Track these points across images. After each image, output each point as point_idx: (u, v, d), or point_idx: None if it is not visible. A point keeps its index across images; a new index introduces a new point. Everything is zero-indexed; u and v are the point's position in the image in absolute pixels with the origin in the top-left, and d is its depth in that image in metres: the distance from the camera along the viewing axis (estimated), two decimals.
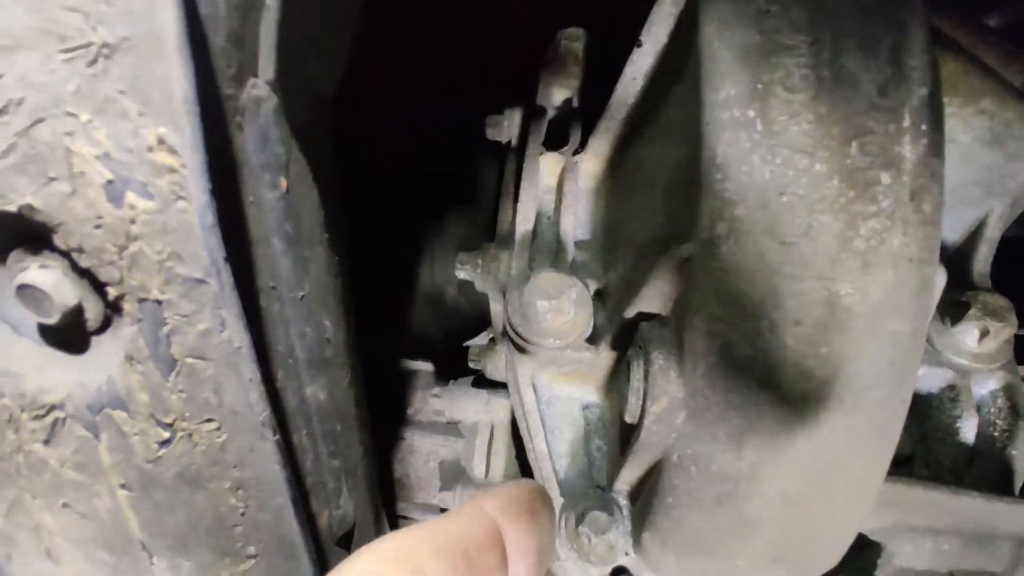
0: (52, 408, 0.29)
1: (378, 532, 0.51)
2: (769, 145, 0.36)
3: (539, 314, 0.49)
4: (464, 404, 0.75)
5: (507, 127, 0.68)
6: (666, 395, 0.39)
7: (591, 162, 0.58)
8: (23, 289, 0.25)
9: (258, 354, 0.29)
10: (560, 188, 0.59)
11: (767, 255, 0.35)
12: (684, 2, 0.45)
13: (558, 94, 0.66)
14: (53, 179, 0.24)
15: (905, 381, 0.37)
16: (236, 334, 0.27)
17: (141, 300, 0.26)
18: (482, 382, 0.73)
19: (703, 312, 0.37)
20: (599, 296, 0.55)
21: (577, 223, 0.58)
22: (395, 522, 0.71)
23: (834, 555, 0.43)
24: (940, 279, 0.46)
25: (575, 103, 0.65)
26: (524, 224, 0.57)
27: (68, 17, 0.21)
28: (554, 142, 0.63)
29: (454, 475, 0.75)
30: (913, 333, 0.36)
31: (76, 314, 0.27)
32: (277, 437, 0.31)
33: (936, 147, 0.36)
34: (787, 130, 0.36)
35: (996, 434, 0.51)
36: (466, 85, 0.70)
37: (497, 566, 0.27)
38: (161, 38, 0.21)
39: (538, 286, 0.50)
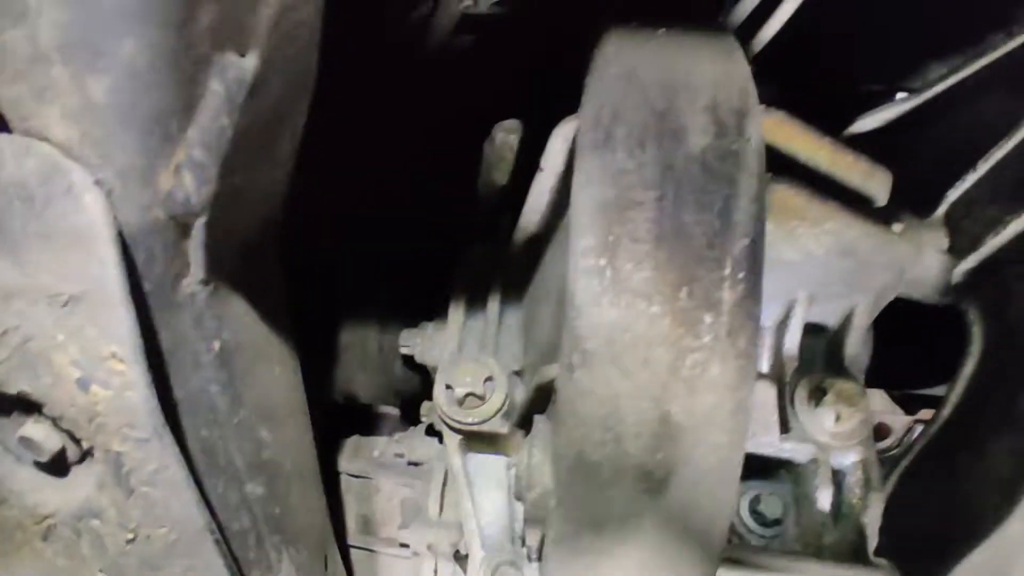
0: (46, 517, 0.39)
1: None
2: (616, 290, 0.44)
3: (459, 398, 0.58)
4: (422, 448, 0.85)
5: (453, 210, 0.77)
6: (540, 485, 0.48)
7: (516, 256, 0.67)
8: (22, 439, 0.35)
9: (200, 473, 0.38)
10: (490, 277, 0.68)
11: (612, 382, 0.44)
12: (571, 141, 0.53)
13: (495, 182, 0.74)
14: (40, 376, 0.33)
15: (726, 478, 0.45)
16: (176, 473, 0.36)
17: (106, 451, 0.36)
18: (434, 431, 0.82)
19: (563, 425, 0.45)
20: (519, 374, 0.64)
21: (504, 309, 0.67)
22: (348, 554, 0.80)
23: None
24: (770, 391, 0.54)
25: (509, 189, 0.73)
26: (456, 309, 0.66)
27: (46, 277, 0.31)
28: (491, 227, 0.72)
29: (414, 513, 0.85)
30: (730, 444, 0.44)
31: (60, 454, 0.36)
32: (216, 536, 0.41)
33: (752, 291, 0.44)
34: (631, 277, 0.44)
35: (854, 502, 0.59)
36: (416, 175, 0.79)
37: None
38: (108, 292, 0.31)
39: (457, 375, 0.59)
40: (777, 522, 0.60)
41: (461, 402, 0.59)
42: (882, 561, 0.56)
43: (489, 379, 0.59)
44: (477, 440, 0.63)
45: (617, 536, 0.47)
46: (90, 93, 0.29)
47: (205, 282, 0.36)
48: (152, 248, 0.33)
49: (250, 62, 0.35)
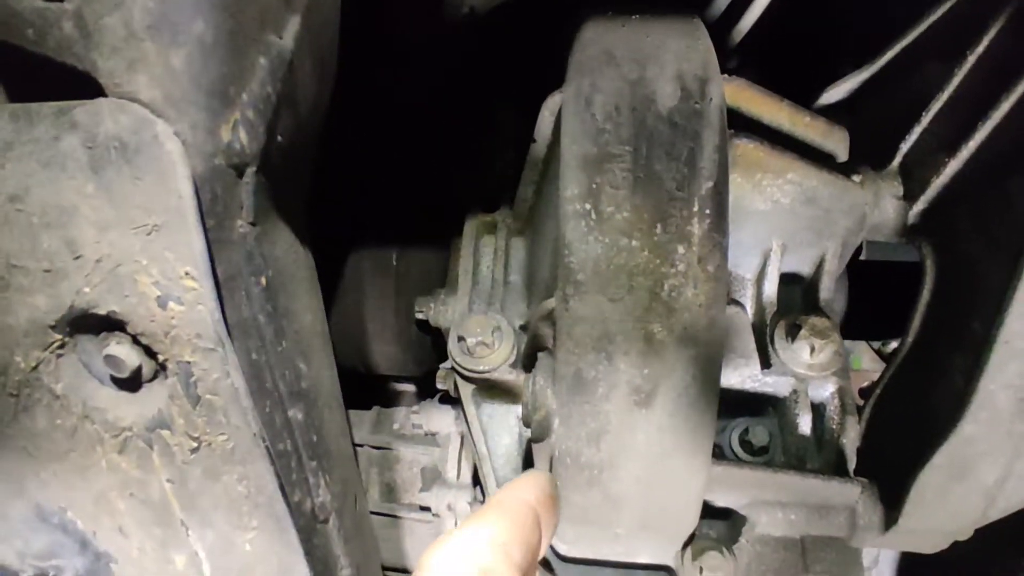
0: (124, 430, 0.46)
1: (356, 517, 0.67)
2: (600, 229, 0.51)
3: (470, 348, 0.65)
4: (438, 418, 0.91)
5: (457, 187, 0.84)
6: (544, 407, 0.54)
7: (516, 221, 0.74)
8: (108, 357, 0.43)
9: (251, 391, 0.45)
10: (495, 242, 0.75)
11: (601, 307, 0.51)
12: (557, 113, 0.61)
13: (497, 159, 0.82)
14: (127, 296, 0.41)
15: (707, 388, 0.51)
16: (236, 380, 0.44)
17: (178, 362, 0.43)
18: (450, 398, 0.89)
19: (562, 348, 0.52)
20: (524, 329, 0.70)
21: (507, 271, 0.74)
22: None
23: (688, 522, 0.58)
24: (744, 316, 0.61)
25: (509, 168, 0.81)
26: (464, 274, 0.73)
27: (136, 212, 0.39)
28: (493, 201, 0.79)
29: (433, 478, 0.91)
30: (708, 356, 0.51)
31: (138, 370, 0.44)
32: (266, 444, 0.48)
33: (717, 225, 0.51)
34: (613, 217, 0.51)
35: (834, 427, 0.65)
36: (423, 152, 0.87)
37: (538, 546, 0.34)
38: (184, 220, 0.39)
39: (468, 326, 0.66)
40: (764, 450, 0.66)
41: (472, 351, 0.65)
42: (861, 479, 0.62)
43: (497, 329, 0.66)
44: (488, 390, 0.70)
45: (614, 448, 0.53)
46: (171, 63, 0.37)
47: (254, 224, 0.44)
48: (215, 190, 0.41)
49: (287, 43, 0.43)
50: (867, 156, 0.68)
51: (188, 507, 0.49)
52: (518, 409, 0.72)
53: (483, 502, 0.74)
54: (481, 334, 0.65)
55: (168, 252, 0.39)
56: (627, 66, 0.58)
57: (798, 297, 0.72)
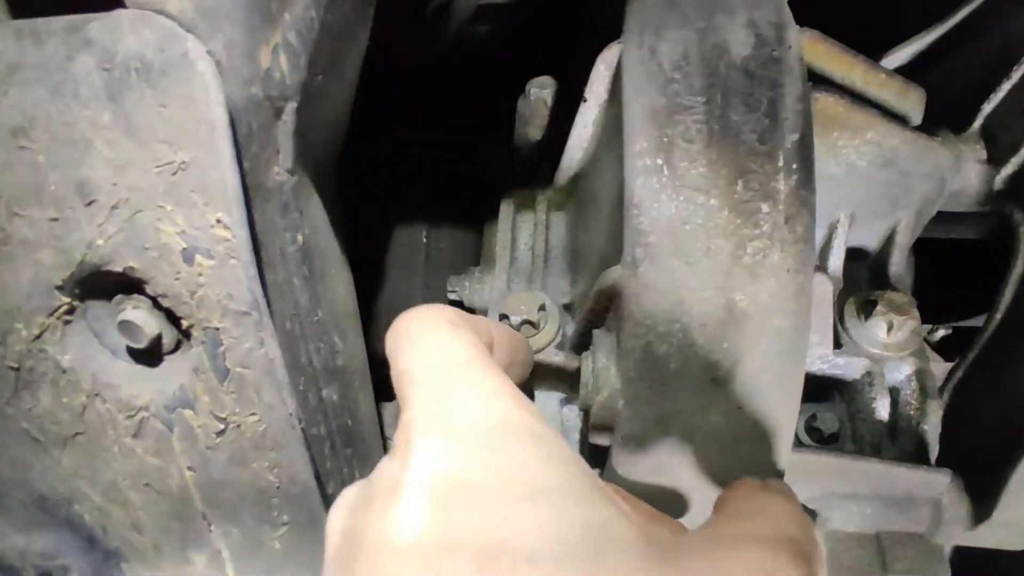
0: (139, 409, 0.40)
1: None
2: (674, 186, 0.46)
3: (513, 327, 0.60)
4: None
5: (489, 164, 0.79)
6: (607, 387, 0.49)
7: (557, 194, 0.69)
8: (123, 323, 0.37)
9: (286, 364, 0.40)
10: (533, 218, 0.69)
11: (676, 272, 0.45)
12: (614, 67, 0.55)
13: (531, 135, 0.76)
14: (147, 249, 0.35)
15: (793, 365, 0.46)
16: (271, 349, 0.38)
17: (205, 328, 0.37)
18: None
19: (630, 320, 0.46)
20: (567, 309, 0.65)
21: (548, 247, 0.68)
22: None
23: None
24: (825, 285, 0.55)
25: (545, 142, 0.76)
26: (503, 250, 0.67)
27: (159, 147, 0.33)
28: (529, 178, 0.74)
29: None
30: (794, 328, 0.45)
31: (157, 340, 0.38)
32: (302, 425, 0.42)
33: (805, 181, 0.46)
34: (687, 173, 0.46)
35: (911, 412, 0.59)
36: (453, 128, 0.82)
37: (487, 336, 0.39)
38: (217, 156, 0.33)
39: (511, 304, 0.60)
40: (834, 437, 0.60)
41: (516, 331, 0.60)
42: (946, 469, 0.56)
43: (542, 308, 0.60)
44: (533, 373, 0.64)
45: (685, 431, 0.47)
46: None
47: (291, 172, 0.38)
48: (251, 125, 0.35)
49: None
50: (940, 120, 0.63)
51: (211, 499, 0.43)
52: (562, 394, 0.66)
53: None
54: (526, 312, 0.59)
55: (197, 195, 0.34)
56: (692, 13, 0.52)
57: (863, 275, 0.67)
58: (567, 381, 0.64)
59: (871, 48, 0.70)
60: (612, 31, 0.58)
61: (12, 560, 0.44)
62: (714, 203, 0.46)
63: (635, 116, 0.48)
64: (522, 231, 0.70)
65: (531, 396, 0.63)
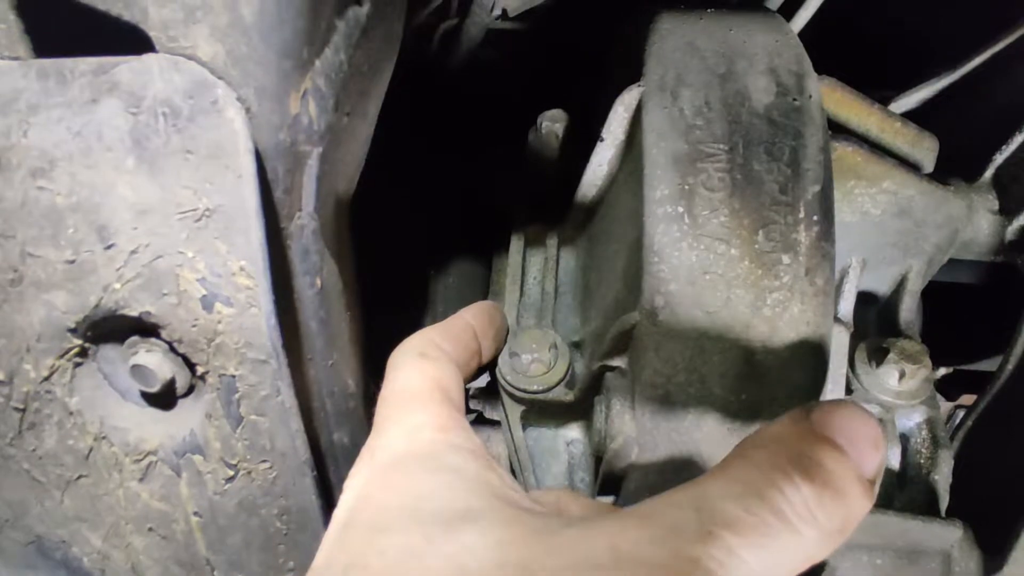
0: (147, 454, 0.39)
1: None
2: (694, 234, 0.46)
3: (524, 365, 0.59)
4: None
5: (498, 196, 0.79)
6: (622, 434, 0.48)
7: (568, 229, 0.68)
8: (135, 368, 0.36)
9: (300, 411, 0.39)
10: (544, 253, 0.69)
11: (696, 322, 0.45)
12: (633, 109, 0.55)
13: (542, 168, 0.76)
14: (165, 294, 0.34)
15: None
16: (287, 398, 0.37)
17: (220, 375, 0.36)
18: (482, 419, 0.82)
19: (648, 367, 0.46)
20: (577, 347, 0.64)
21: (558, 282, 0.68)
22: None
23: None
24: (842, 335, 0.55)
25: (555, 175, 0.75)
26: (512, 285, 0.67)
27: (183, 193, 0.32)
28: (538, 212, 0.74)
29: None
30: (813, 382, 0.45)
31: (170, 384, 0.37)
32: (315, 473, 0.41)
33: (826, 233, 0.46)
34: (708, 222, 0.46)
35: (922, 462, 0.59)
36: (463, 161, 0.82)
37: (472, 347, 0.49)
38: (243, 204, 0.32)
39: (522, 341, 0.59)
40: None
41: (526, 370, 0.59)
42: (957, 520, 0.56)
43: (554, 346, 0.60)
44: (537, 412, 0.63)
45: None
46: (240, 12, 0.30)
47: (312, 216, 0.38)
48: (276, 171, 0.34)
49: (364, 8, 0.37)
50: (950, 168, 0.63)
51: (216, 545, 0.42)
52: (567, 434, 0.65)
53: None
54: (537, 350, 0.59)
55: (220, 242, 0.33)
56: (713, 58, 0.52)
57: (872, 319, 0.67)
58: (575, 420, 0.63)
59: (881, 90, 0.71)
60: (624, 69, 0.59)
61: None
62: (735, 253, 0.45)
63: (656, 162, 0.48)
64: (532, 265, 0.69)
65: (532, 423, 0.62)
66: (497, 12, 0.83)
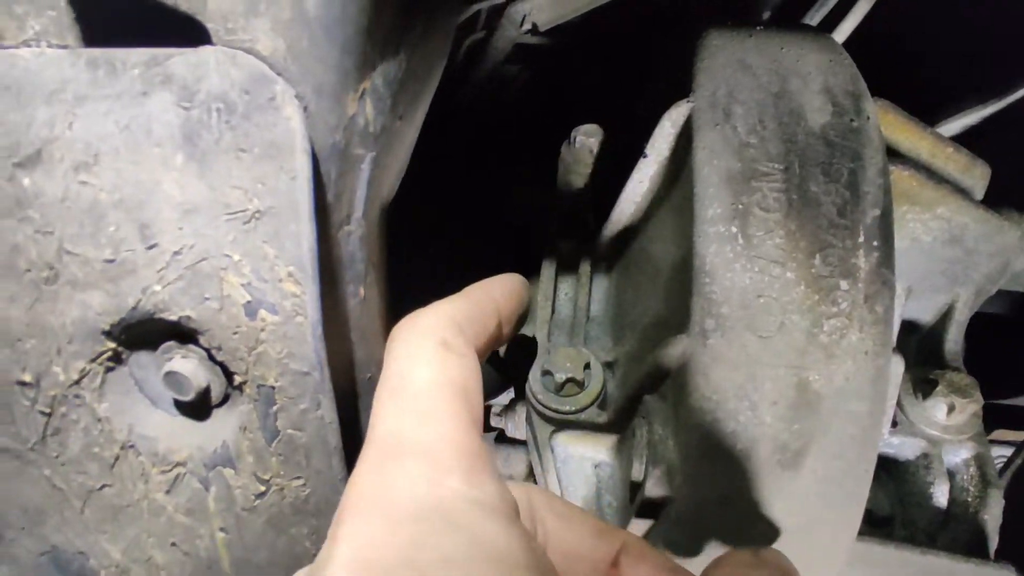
0: (176, 465, 0.37)
1: None
2: (748, 256, 0.44)
3: (557, 384, 0.57)
4: (498, 463, 0.82)
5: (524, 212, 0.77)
6: (665, 461, 0.46)
7: (604, 247, 0.67)
8: (169, 374, 0.34)
9: (339, 427, 0.37)
10: (577, 270, 0.67)
11: (748, 347, 0.43)
12: (681, 125, 0.54)
13: (574, 184, 0.75)
14: (207, 299, 0.32)
15: (866, 453, 0.43)
16: (328, 412, 0.35)
17: (259, 386, 0.35)
18: (503, 437, 0.80)
19: (696, 392, 0.44)
20: (609, 367, 0.62)
21: (590, 300, 0.66)
22: None
23: None
24: (898, 365, 0.53)
25: (587, 191, 0.74)
26: (544, 301, 0.65)
27: (233, 193, 0.31)
28: (570, 228, 0.72)
29: None
30: (870, 413, 0.43)
31: (205, 393, 0.35)
32: None
33: (886, 259, 0.44)
34: (763, 243, 0.44)
35: (969, 500, 0.57)
36: (493, 175, 0.80)
37: (494, 328, 0.37)
38: (296, 207, 0.30)
39: (556, 360, 0.57)
40: (886, 521, 0.57)
41: (559, 389, 0.57)
42: (1005, 563, 0.53)
43: (587, 366, 0.58)
44: (567, 433, 0.61)
45: (747, 514, 0.44)
46: (304, 5, 0.29)
47: (360, 223, 0.36)
48: (329, 173, 0.33)
49: (425, 9, 0.36)
50: (997, 198, 0.61)
51: (241, 564, 0.39)
52: (596, 455, 0.63)
53: None
54: (572, 370, 0.57)
55: (269, 246, 0.31)
56: (766, 76, 0.51)
57: (911, 348, 0.65)
58: (607, 443, 0.61)
59: (927, 114, 0.69)
60: (668, 85, 0.57)
61: None
62: (791, 276, 0.44)
63: (709, 181, 0.46)
64: (564, 282, 0.67)
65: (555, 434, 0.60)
66: (527, 27, 0.82)
